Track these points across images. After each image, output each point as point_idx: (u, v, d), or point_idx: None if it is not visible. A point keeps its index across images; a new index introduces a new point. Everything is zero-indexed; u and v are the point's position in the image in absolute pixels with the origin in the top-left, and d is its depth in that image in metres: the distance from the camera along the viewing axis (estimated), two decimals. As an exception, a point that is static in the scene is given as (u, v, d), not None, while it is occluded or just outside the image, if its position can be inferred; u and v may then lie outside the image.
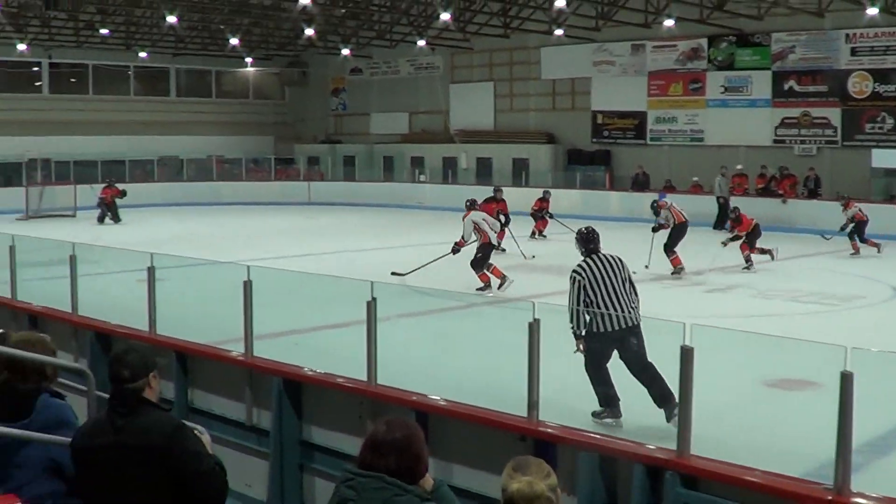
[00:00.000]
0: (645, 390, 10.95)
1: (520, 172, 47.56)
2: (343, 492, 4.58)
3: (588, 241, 11.99)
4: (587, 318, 11.26)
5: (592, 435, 7.78)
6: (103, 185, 41.53)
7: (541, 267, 26.01)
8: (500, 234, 28.32)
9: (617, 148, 47.39)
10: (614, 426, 10.73)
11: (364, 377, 9.27)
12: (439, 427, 8.48)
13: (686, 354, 7.24)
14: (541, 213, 33.63)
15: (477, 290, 20.99)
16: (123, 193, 40.86)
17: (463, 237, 22.23)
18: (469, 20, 47.72)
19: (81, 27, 49.80)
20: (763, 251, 26.36)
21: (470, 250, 22.26)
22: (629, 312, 11.28)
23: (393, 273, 22.66)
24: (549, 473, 4.40)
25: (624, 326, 11.16)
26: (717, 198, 37.44)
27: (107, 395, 5.85)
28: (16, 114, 51.10)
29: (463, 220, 22.50)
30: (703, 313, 18.15)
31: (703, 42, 43.45)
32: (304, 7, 40.08)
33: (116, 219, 40.25)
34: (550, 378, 8.28)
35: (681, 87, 44.67)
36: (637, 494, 7.33)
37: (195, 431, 5.90)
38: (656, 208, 25.92)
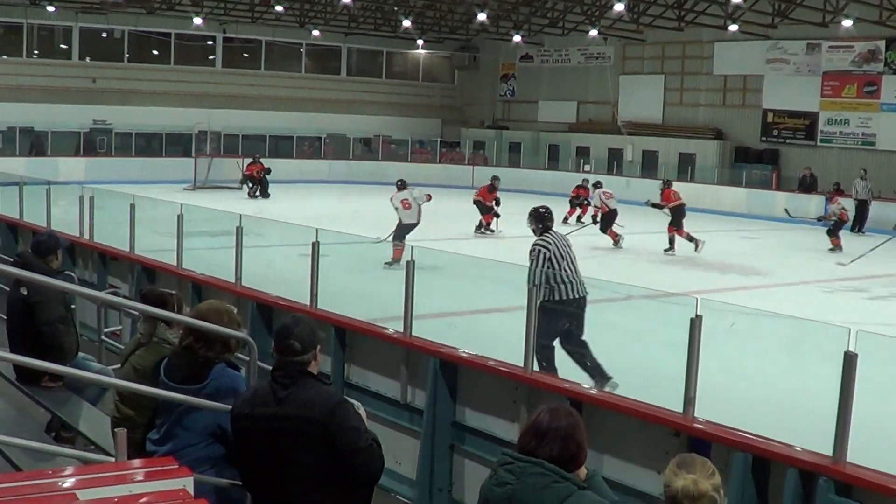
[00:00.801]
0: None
1: (686, 167, 47.17)
2: (502, 475, 4.63)
3: (545, 218, 12.82)
4: (559, 286, 12.02)
5: (746, 435, 7.66)
6: (248, 162, 42.86)
7: (702, 263, 25.80)
8: (489, 218, 31.48)
9: (786, 148, 46.57)
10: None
11: (520, 363, 9.27)
12: (592, 416, 8.43)
13: (849, 360, 7.06)
14: (579, 200, 33.95)
15: (385, 263, 21.71)
16: (268, 171, 42.18)
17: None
18: (643, 11, 47.27)
19: (257, 3, 50.76)
20: (691, 238, 27.32)
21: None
22: (583, 283, 12.19)
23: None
24: (713, 473, 4.40)
25: (583, 295, 12.16)
26: (855, 199, 36.65)
27: (267, 367, 5.95)
28: (188, 86, 52.36)
29: (391, 200, 24.69)
30: (861, 319, 17.80)
31: (881, 44, 42.37)
32: (478, -8, 40.26)
33: (265, 194, 41.55)
34: (704, 375, 8.19)
35: (855, 89, 43.68)
36: (789, 498, 7.22)
37: (354, 407, 6.01)
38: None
